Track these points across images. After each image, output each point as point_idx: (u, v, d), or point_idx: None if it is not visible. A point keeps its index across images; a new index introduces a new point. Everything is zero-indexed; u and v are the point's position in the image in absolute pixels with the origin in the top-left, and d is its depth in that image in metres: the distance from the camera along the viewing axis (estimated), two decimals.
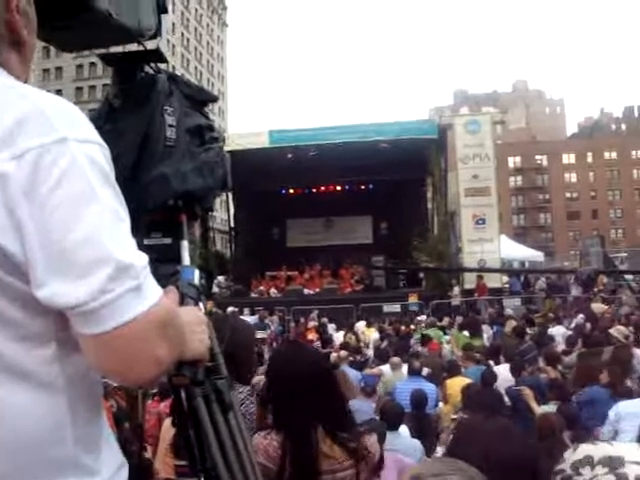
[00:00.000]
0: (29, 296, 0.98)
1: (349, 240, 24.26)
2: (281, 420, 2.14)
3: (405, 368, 7.80)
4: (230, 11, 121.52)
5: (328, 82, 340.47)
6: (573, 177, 79.81)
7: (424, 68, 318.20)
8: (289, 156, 21.57)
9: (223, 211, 26.16)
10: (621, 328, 8.65)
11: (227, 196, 22.81)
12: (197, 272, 1.51)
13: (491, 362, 8.28)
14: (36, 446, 1.01)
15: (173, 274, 1.47)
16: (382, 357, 9.34)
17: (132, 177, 1.53)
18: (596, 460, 0.92)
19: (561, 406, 5.50)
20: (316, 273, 22.51)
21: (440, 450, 4.83)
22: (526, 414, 5.58)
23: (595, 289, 18.59)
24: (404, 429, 5.34)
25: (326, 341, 12.86)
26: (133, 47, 1.71)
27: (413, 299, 18.97)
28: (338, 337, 12.84)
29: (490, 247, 20.38)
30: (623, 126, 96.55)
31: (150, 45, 1.72)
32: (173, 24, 70.50)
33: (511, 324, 11.73)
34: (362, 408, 5.86)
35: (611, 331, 8.33)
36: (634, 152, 78.76)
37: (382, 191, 23.30)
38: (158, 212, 1.60)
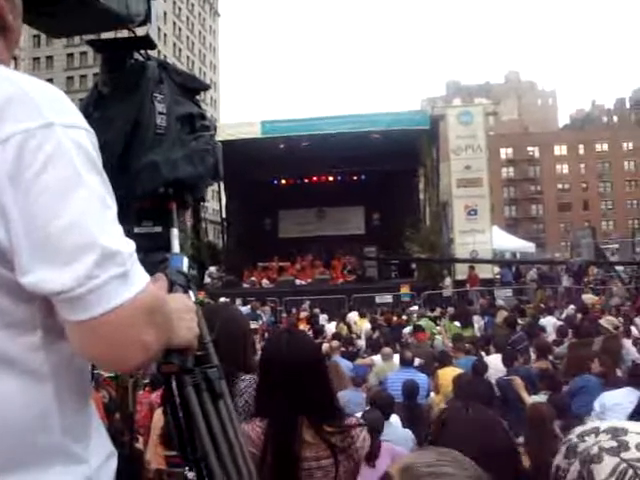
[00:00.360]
0: (14, 283, 0.97)
1: (341, 231, 24.27)
2: (267, 407, 2.14)
3: (397, 358, 7.83)
4: (222, 0, 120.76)
5: (321, 72, 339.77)
6: (565, 169, 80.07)
7: (417, 59, 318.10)
8: (281, 146, 21.51)
9: (215, 201, 26.08)
10: (611, 319, 8.72)
11: (219, 186, 22.75)
12: (186, 260, 1.50)
13: (482, 352, 8.33)
14: (22, 434, 1.01)
15: (162, 262, 1.46)
16: (374, 347, 9.37)
17: (122, 165, 1.52)
18: (601, 430, 0.96)
19: (552, 396, 5.54)
20: (308, 264, 22.51)
21: None
22: (517, 404, 5.61)
23: (586, 280, 18.71)
24: (395, 419, 5.36)
25: (318, 332, 12.87)
26: (124, 34, 1.69)
27: (405, 290, 19.01)
28: (330, 328, 12.85)
29: (482, 238, 20.43)
30: (615, 118, 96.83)
31: (140, 32, 1.70)
32: (165, 13, 69.98)
33: (502, 314, 11.79)
34: (353, 398, 5.90)
35: (601, 322, 8.39)
36: (625, 144, 79.04)
37: (374, 182, 23.30)
38: (148, 200, 1.59)
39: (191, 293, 1.43)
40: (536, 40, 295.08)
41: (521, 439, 4.66)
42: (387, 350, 8.41)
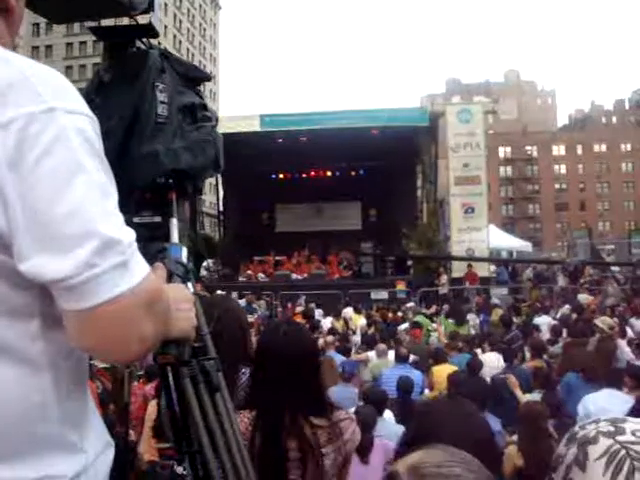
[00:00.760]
0: (12, 269, 0.95)
1: (338, 226, 24.23)
2: (257, 397, 2.13)
3: (391, 354, 7.85)
4: None
5: (321, 67, 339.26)
6: (562, 168, 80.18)
7: (417, 56, 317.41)
8: (280, 140, 21.47)
9: (212, 194, 26.04)
10: (606, 319, 8.71)
11: (217, 179, 22.72)
12: (185, 250, 1.49)
13: (478, 350, 8.35)
14: (19, 423, 1.00)
15: (161, 251, 1.45)
16: (369, 343, 9.38)
17: (122, 153, 1.51)
18: (602, 420, 0.99)
19: (545, 394, 5.55)
20: (304, 258, 22.50)
21: None
22: (511, 402, 5.62)
23: (582, 280, 18.75)
24: (389, 415, 5.37)
25: (314, 326, 12.86)
26: (126, 22, 1.67)
27: (401, 287, 19.03)
28: (325, 323, 12.85)
29: (479, 236, 20.44)
30: (614, 119, 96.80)
31: (143, 20, 1.69)
32: (166, 5, 69.75)
33: (498, 313, 11.80)
34: (344, 394, 5.91)
35: (596, 321, 8.38)
36: (623, 145, 79.11)
37: (372, 178, 23.28)
38: (148, 190, 1.58)
39: (189, 284, 1.42)
40: (536, 40, 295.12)
41: (515, 437, 4.68)
42: (382, 346, 8.43)
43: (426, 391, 6.98)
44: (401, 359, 7.33)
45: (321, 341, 8.98)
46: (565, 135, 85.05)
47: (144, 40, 1.68)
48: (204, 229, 25.78)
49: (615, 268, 21.08)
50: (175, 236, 1.55)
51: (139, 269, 1.01)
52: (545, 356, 7.75)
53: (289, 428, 2.05)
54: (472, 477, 0.91)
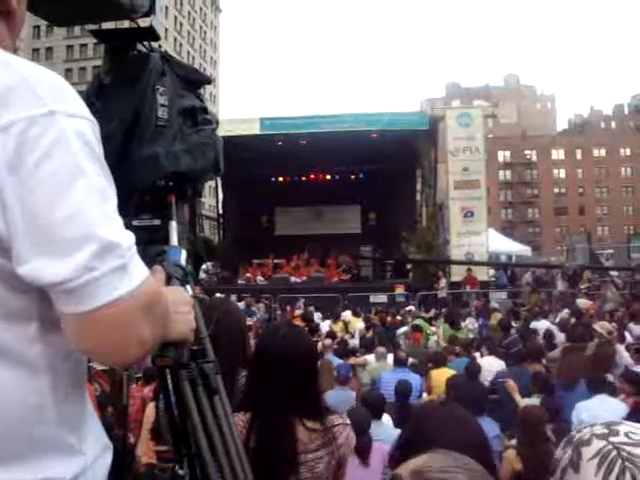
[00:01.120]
0: (11, 273, 0.95)
1: (337, 229, 24.25)
2: (254, 399, 2.13)
3: (390, 358, 7.83)
4: None
5: (321, 71, 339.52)
6: (562, 173, 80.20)
7: (417, 60, 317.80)
8: (280, 144, 21.47)
9: (212, 197, 26.04)
10: (605, 323, 8.70)
11: (216, 182, 22.73)
12: (184, 253, 1.49)
13: (477, 354, 8.34)
14: (17, 425, 0.99)
15: (160, 254, 1.45)
16: (367, 347, 9.37)
17: (122, 156, 1.51)
18: (598, 423, 1.01)
19: (544, 399, 5.54)
20: (303, 262, 22.50)
21: None
22: (510, 406, 5.61)
23: (581, 285, 18.73)
24: (387, 418, 5.36)
25: (313, 330, 12.84)
26: (127, 25, 1.68)
27: (400, 290, 19.02)
28: (324, 326, 12.83)
29: (478, 240, 20.44)
30: (613, 124, 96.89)
31: (144, 23, 1.69)
32: (166, 8, 69.80)
33: (497, 317, 11.79)
34: (341, 397, 5.91)
35: (595, 326, 8.37)
36: (622, 150, 79.15)
37: (372, 181, 23.31)
38: (147, 192, 1.58)
39: (188, 287, 1.42)
40: (536, 44, 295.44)
41: (514, 441, 4.67)
42: (381, 350, 8.41)
43: (424, 395, 6.97)
44: (400, 362, 7.32)
45: (320, 344, 8.96)
46: (564, 140, 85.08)
47: (145, 43, 1.69)
48: (203, 232, 25.75)
49: (614, 273, 21.08)
50: (174, 239, 1.56)
51: (138, 272, 1.01)
52: (544, 360, 7.74)
53: (284, 430, 2.05)
54: None
